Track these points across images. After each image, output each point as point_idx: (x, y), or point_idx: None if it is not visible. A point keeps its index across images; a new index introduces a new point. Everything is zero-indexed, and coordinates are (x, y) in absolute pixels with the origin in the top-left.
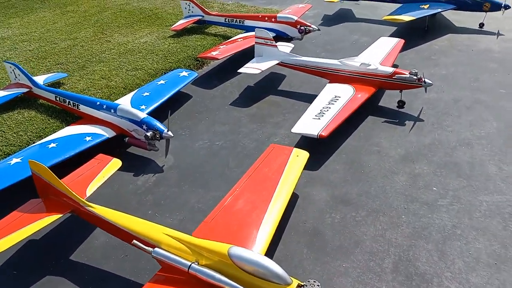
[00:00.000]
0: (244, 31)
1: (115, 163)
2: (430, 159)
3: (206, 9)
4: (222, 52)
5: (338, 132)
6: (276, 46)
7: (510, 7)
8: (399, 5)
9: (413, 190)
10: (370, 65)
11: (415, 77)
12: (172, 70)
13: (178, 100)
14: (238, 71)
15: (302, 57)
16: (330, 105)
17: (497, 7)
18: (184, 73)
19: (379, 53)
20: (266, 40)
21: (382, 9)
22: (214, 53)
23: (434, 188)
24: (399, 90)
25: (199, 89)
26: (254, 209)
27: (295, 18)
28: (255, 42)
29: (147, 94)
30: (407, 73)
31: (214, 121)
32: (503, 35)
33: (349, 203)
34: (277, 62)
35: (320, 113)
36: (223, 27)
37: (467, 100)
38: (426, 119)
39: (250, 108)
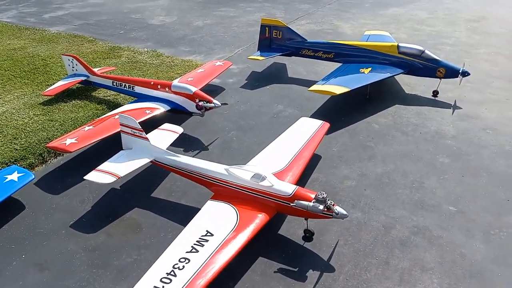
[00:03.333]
0: (136, 99)
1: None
2: None
3: (92, 68)
4: (80, 140)
5: None
6: (147, 138)
7: (469, 74)
8: (339, 64)
9: None
10: (265, 178)
11: (320, 206)
12: (5, 167)
13: None
14: (85, 178)
15: (180, 156)
16: (191, 254)
17: (453, 74)
18: (14, 176)
19: (292, 146)
20: (133, 130)
21: (321, 65)
22: (68, 141)
23: None
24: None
25: (37, 192)
26: None
27: (193, 89)
28: (121, 131)
29: None
30: (312, 196)
31: (28, 264)
32: (459, 108)
33: None
34: (148, 160)
35: (170, 273)
36: (114, 91)
37: (403, 228)
38: (338, 268)
39: (96, 234)
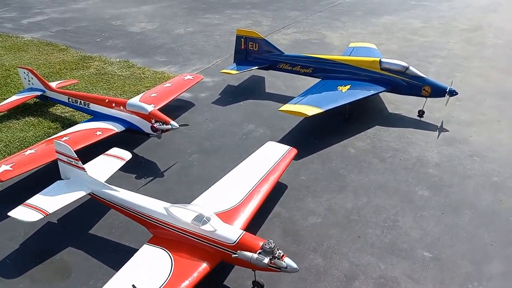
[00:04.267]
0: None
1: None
2: None
3: (48, 82)
4: (16, 167)
5: None
6: (83, 168)
7: (457, 94)
8: (318, 80)
9: None
10: (207, 221)
11: (265, 259)
12: None
13: None
14: (9, 214)
15: (119, 190)
16: None
17: (440, 93)
18: None
19: (252, 176)
20: (69, 158)
21: (301, 79)
22: (1, 169)
23: None
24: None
25: None
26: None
27: (149, 109)
28: (57, 159)
29: None
30: (260, 245)
31: None
32: (446, 131)
33: None
34: (84, 193)
35: None
36: (72, 108)
37: (368, 278)
38: None
39: (18, 280)
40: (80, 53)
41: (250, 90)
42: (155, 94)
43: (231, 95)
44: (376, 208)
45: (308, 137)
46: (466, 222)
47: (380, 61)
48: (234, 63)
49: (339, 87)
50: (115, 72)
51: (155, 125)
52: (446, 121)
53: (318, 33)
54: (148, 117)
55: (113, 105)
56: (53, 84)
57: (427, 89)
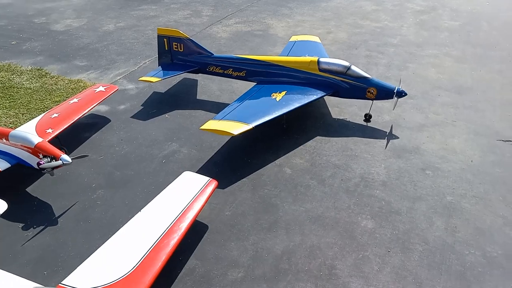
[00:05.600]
0: None
1: None
2: None
3: None
4: None
5: None
6: None
7: (406, 94)
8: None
9: None
10: None
11: None
12: None
13: None
14: None
15: None
16: None
17: (387, 95)
18: None
19: (157, 224)
20: None
21: (235, 82)
22: None
23: None
24: None
25: None
26: None
27: (35, 141)
28: None
29: None
30: None
31: None
32: (396, 137)
33: None
34: None
35: None
36: None
37: None
38: None
39: None
40: None
41: (179, 97)
42: (56, 115)
43: (156, 105)
44: (310, 250)
45: (241, 155)
46: (416, 262)
47: (318, 62)
48: (159, 66)
49: (273, 94)
50: (23, 84)
51: (41, 162)
52: (396, 125)
53: (262, 23)
54: (35, 151)
55: None
56: None
57: (372, 91)
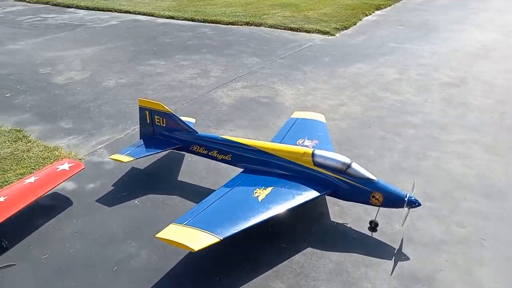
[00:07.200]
0: None
1: None
2: None
3: None
4: None
5: None
6: None
7: (420, 205)
8: (240, 170)
9: None
10: None
11: None
12: None
13: None
14: None
15: None
16: None
17: (395, 203)
18: None
19: None
20: None
21: (224, 176)
22: None
23: None
24: None
25: None
26: None
27: None
28: None
29: None
30: None
31: None
32: (406, 259)
33: None
34: None
35: None
36: None
37: None
38: None
39: None
40: None
41: (158, 176)
42: (2, 199)
43: (129, 186)
44: None
45: (209, 268)
46: None
47: (312, 154)
48: (140, 140)
49: (256, 190)
50: None
51: None
52: (407, 238)
53: (270, 88)
54: None
55: None
56: None
57: (377, 196)
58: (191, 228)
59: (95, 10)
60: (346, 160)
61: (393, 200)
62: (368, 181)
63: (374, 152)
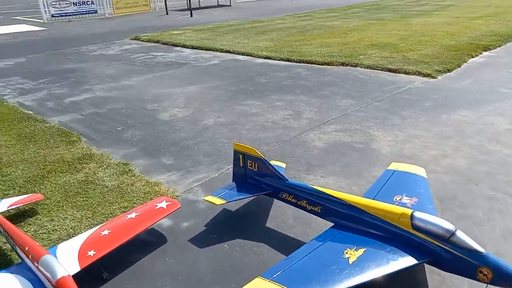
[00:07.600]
0: None
1: None
2: None
3: None
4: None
5: None
6: None
7: None
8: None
9: None
10: None
11: None
12: None
13: None
14: None
15: None
16: None
17: (509, 283)
18: None
19: None
20: None
21: (313, 228)
22: None
23: None
24: None
25: None
26: None
27: (58, 275)
28: None
29: None
30: None
31: None
32: None
33: None
34: None
35: None
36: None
37: None
38: None
39: None
40: (85, 149)
41: (247, 220)
42: (106, 232)
43: (219, 228)
44: None
45: None
46: None
47: (411, 216)
48: (232, 182)
49: (347, 251)
50: (103, 180)
51: None
52: None
53: (365, 133)
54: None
55: (30, 256)
56: (7, 202)
57: (486, 272)
58: (277, 285)
59: (199, 49)
60: (449, 226)
61: (505, 279)
62: (475, 253)
63: (482, 215)
